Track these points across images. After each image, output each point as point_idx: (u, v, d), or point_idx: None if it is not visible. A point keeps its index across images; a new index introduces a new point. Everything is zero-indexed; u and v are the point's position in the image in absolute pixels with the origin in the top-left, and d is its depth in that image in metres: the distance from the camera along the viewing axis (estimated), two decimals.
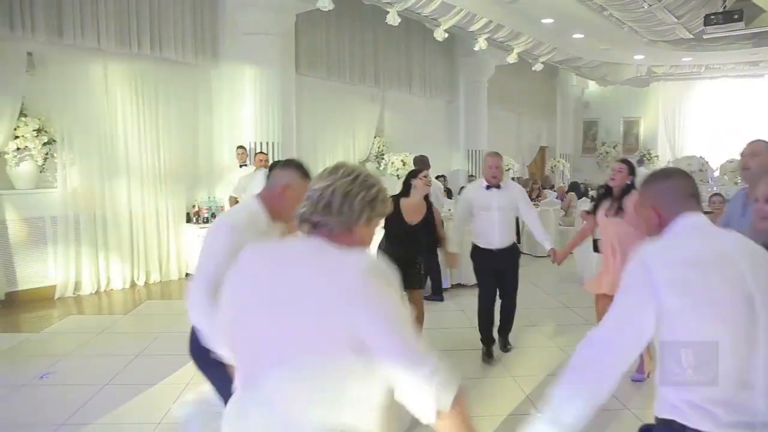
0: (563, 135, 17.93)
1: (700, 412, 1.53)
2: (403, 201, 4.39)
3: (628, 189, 4.21)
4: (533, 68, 14.31)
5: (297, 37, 9.13)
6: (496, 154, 4.83)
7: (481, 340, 4.82)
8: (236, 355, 1.50)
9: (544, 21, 10.84)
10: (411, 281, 4.42)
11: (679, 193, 1.73)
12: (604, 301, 4.32)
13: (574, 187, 13.06)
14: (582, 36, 12.03)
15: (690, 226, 1.67)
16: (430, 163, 7.27)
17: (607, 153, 18.04)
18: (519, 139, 16.04)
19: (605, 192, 4.41)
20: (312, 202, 1.46)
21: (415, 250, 4.45)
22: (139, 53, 7.26)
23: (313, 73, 9.66)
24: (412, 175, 4.52)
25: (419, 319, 4.39)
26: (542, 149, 17.50)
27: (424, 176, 4.47)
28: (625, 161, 4.39)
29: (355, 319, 1.28)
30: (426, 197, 4.51)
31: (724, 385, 1.52)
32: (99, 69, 6.94)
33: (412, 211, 4.39)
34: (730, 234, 1.71)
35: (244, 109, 8.25)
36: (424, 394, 1.30)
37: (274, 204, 2.32)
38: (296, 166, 2.39)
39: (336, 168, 1.51)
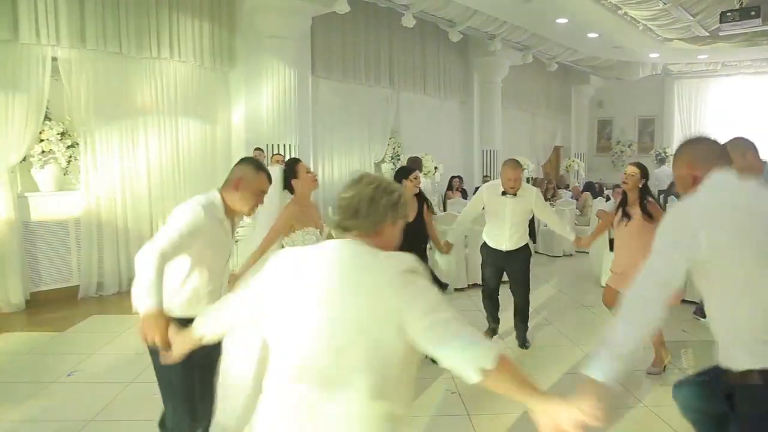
0: (578, 134, 17.89)
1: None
2: None
3: (642, 192, 4.31)
4: (548, 68, 14.33)
5: (313, 40, 9.23)
6: (515, 166, 4.74)
7: (486, 318, 5.17)
8: (280, 348, 1.59)
9: (559, 21, 10.84)
10: None
11: (709, 154, 1.97)
12: (610, 292, 4.49)
13: (589, 186, 13.04)
14: (597, 35, 12.01)
15: (719, 180, 1.91)
16: (447, 164, 7.33)
17: (622, 152, 17.95)
18: (533, 139, 16.02)
19: (622, 197, 4.51)
20: (342, 209, 1.63)
21: (415, 247, 4.53)
22: (159, 57, 7.40)
23: (329, 75, 9.75)
24: (403, 175, 4.62)
25: None
26: (557, 149, 17.47)
27: (415, 177, 4.60)
28: (638, 165, 4.45)
29: (398, 312, 1.46)
30: (419, 196, 4.66)
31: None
32: (120, 73, 7.07)
33: None
34: (754, 184, 1.95)
35: (261, 111, 8.36)
36: (466, 361, 1.45)
37: (232, 197, 2.49)
38: (250, 161, 2.60)
39: (360, 178, 1.68)
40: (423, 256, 4.70)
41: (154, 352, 2.46)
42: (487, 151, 13.18)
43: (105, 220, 6.91)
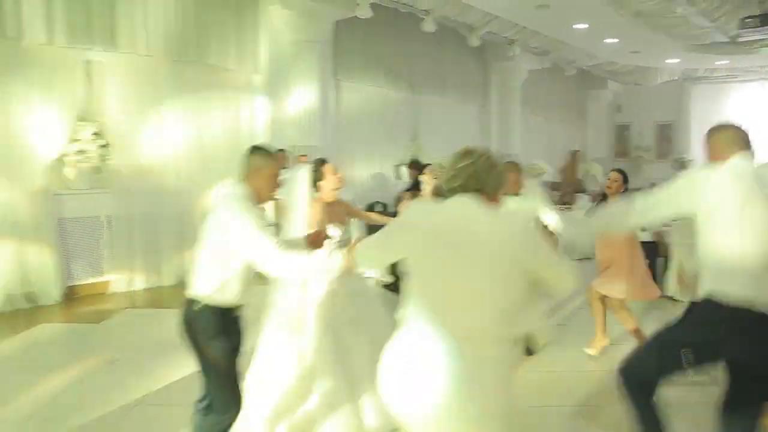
0: (595, 139, 17.92)
1: (734, 290, 2.20)
2: (416, 193, 4.81)
3: (623, 197, 4.57)
4: (566, 73, 14.41)
5: (335, 44, 9.42)
6: (514, 170, 4.78)
7: None
8: (419, 289, 1.87)
9: (577, 26, 10.94)
10: None
11: (730, 141, 2.32)
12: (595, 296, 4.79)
13: None
14: (615, 41, 12.08)
15: (733, 163, 2.29)
16: None
17: (640, 157, 17.93)
18: (551, 143, 16.08)
19: (602, 200, 4.82)
20: (463, 176, 1.88)
21: None
22: (186, 60, 7.63)
23: (351, 79, 9.94)
24: (418, 169, 4.92)
25: None
26: (575, 153, 17.49)
27: (431, 171, 4.87)
28: (619, 171, 4.78)
29: (526, 257, 1.83)
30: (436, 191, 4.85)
31: (751, 267, 2.18)
32: (150, 75, 7.30)
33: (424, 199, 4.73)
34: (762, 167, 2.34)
35: (285, 113, 8.56)
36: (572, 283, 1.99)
37: (255, 187, 2.58)
38: (259, 149, 2.69)
39: (470, 151, 1.94)
40: None
41: (207, 345, 2.59)
42: (505, 155, 13.28)
43: (135, 217, 7.15)
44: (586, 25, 10.86)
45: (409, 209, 1.97)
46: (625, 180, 4.67)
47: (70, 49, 6.55)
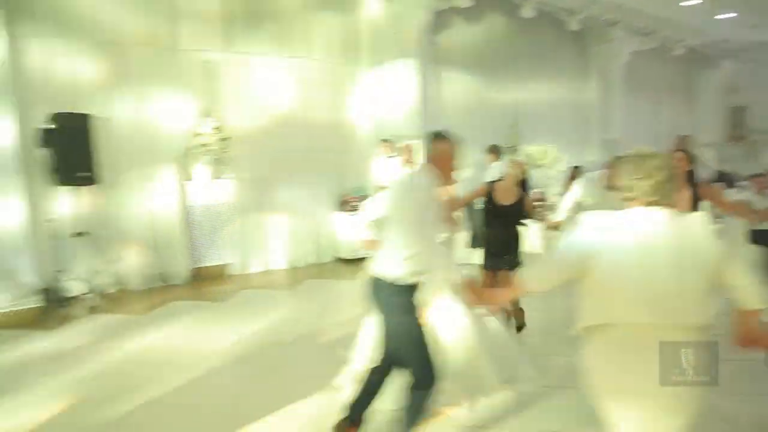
0: (706, 123, 16.84)
1: None
2: (496, 184, 4.86)
3: (689, 177, 4.59)
4: (673, 53, 13.70)
5: (435, 33, 9.55)
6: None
7: None
8: (618, 292, 2.05)
9: (687, 3, 10.38)
10: (508, 262, 4.66)
11: None
12: None
13: (721, 176, 12.34)
14: (731, 15, 11.33)
15: None
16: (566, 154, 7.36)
17: (756, 141, 16.63)
18: (657, 128, 15.31)
19: None
20: (642, 189, 2.08)
21: (508, 231, 4.79)
22: (293, 56, 8.07)
23: (450, 67, 10.03)
24: (498, 156, 4.84)
25: (515, 302, 4.76)
26: (683, 138, 16.54)
27: (518, 165, 4.98)
28: (683, 151, 4.83)
29: (714, 258, 2.03)
30: (521, 182, 4.98)
31: None
32: (263, 73, 7.80)
33: (503, 191, 4.78)
34: None
35: (387, 103, 8.79)
36: (757, 293, 2.11)
37: (437, 170, 2.86)
38: (437, 135, 2.98)
39: (649, 162, 2.11)
40: (517, 233, 4.90)
41: (401, 322, 2.74)
42: (607, 140, 12.85)
43: (252, 205, 7.68)
44: (699, 0, 10.28)
45: (588, 219, 2.15)
46: (690, 161, 4.69)
47: (192, 51, 7.15)
